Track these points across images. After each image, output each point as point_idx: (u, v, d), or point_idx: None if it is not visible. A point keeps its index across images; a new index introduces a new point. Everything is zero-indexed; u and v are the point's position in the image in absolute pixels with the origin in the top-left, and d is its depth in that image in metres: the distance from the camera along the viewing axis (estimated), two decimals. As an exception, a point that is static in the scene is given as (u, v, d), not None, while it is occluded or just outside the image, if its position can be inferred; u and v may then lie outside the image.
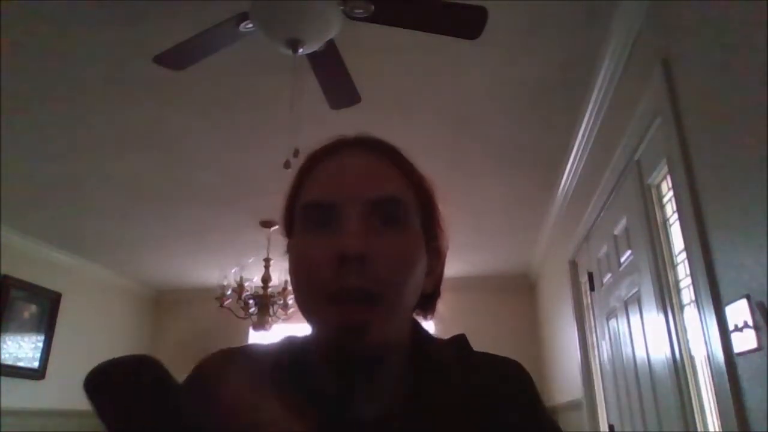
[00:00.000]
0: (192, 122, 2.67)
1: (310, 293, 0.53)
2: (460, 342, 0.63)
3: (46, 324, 4.41)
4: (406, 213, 0.56)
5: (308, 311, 0.54)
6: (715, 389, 1.41)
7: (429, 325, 0.64)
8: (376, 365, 0.54)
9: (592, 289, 2.93)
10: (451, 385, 0.56)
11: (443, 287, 0.64)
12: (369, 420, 0.53)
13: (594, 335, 3.02)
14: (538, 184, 3.34)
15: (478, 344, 0.62)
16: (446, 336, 0.65)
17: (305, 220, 0.56)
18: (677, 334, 1.75)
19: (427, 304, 0.62)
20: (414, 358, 0.58)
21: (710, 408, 1.60)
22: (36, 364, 4.29)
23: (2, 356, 3.94)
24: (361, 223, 0.52)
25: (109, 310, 5.25)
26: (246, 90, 2.41)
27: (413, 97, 2.47)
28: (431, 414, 0.54)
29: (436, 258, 0.61)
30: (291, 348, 0.60)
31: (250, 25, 1.74)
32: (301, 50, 1.75)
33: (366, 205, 0.53)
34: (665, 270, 1.84)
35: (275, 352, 0.60)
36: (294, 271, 0.55)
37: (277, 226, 3.43)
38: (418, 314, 0.63)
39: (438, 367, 0.58)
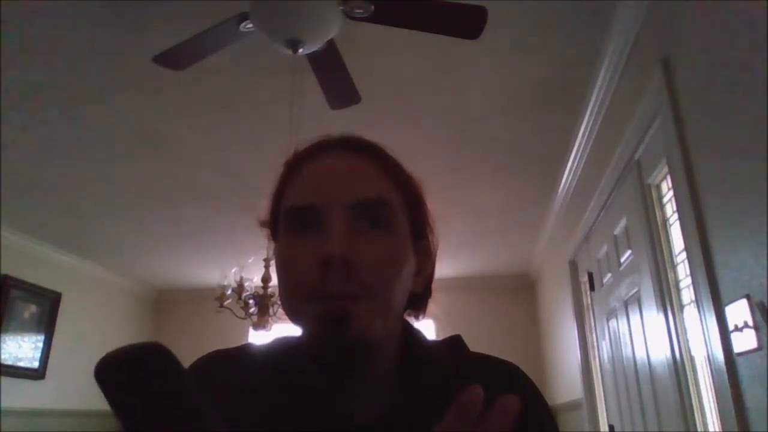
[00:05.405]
0: (192, 122, 2.66)
1: (295, 295, 0.53)
2: (454, 343, 0.62)
3: (46, 324, 4.41)
4: (392, 214, 0.55)
5: (292, 312, 0.54)
6: (715, 389, 1.41)
7: (428, 325, 0.64)
8: (365, 364, 0.54)
9: (592, 289, 2.93)
10: (443, 386, 0.55)
11: (436, 287, 0.63)
12: (358, 420, 0.53)
13: (594, 335, 3.02)
14: (538, 184, 3.34)
15: (478, 344, 0.62)
16: (445, 336, 0.64)
17: (289, 223, 0.55)
18: (677, 334, 1.75)
19: (418, 304, 0.62)
20: (406, 359, 0.57)
21: (710, 408, 1.60)
22: (36, 364, 4.29)
23: (2, 356, 3.94)
24: (344, 226, 0.52)
25: (109, 310, 5.25)
26: (246, 90, 2.41)
27: (413, 98, 2.46)
28: (422, 415, 0.53)
29: (426, 258, 0.60)
30: (282, 348, 0.60)
31: (250, 25, 1.74)
32: (301, 50, 1.75)
33: (350, 208, 0.53)
34: (665, 270, 1.84)
35: (266, 353, 0.60)
36: (279, 274, 0.55)
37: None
38: (409, 315, 0.62)
39: (430, 368, 0.57)
